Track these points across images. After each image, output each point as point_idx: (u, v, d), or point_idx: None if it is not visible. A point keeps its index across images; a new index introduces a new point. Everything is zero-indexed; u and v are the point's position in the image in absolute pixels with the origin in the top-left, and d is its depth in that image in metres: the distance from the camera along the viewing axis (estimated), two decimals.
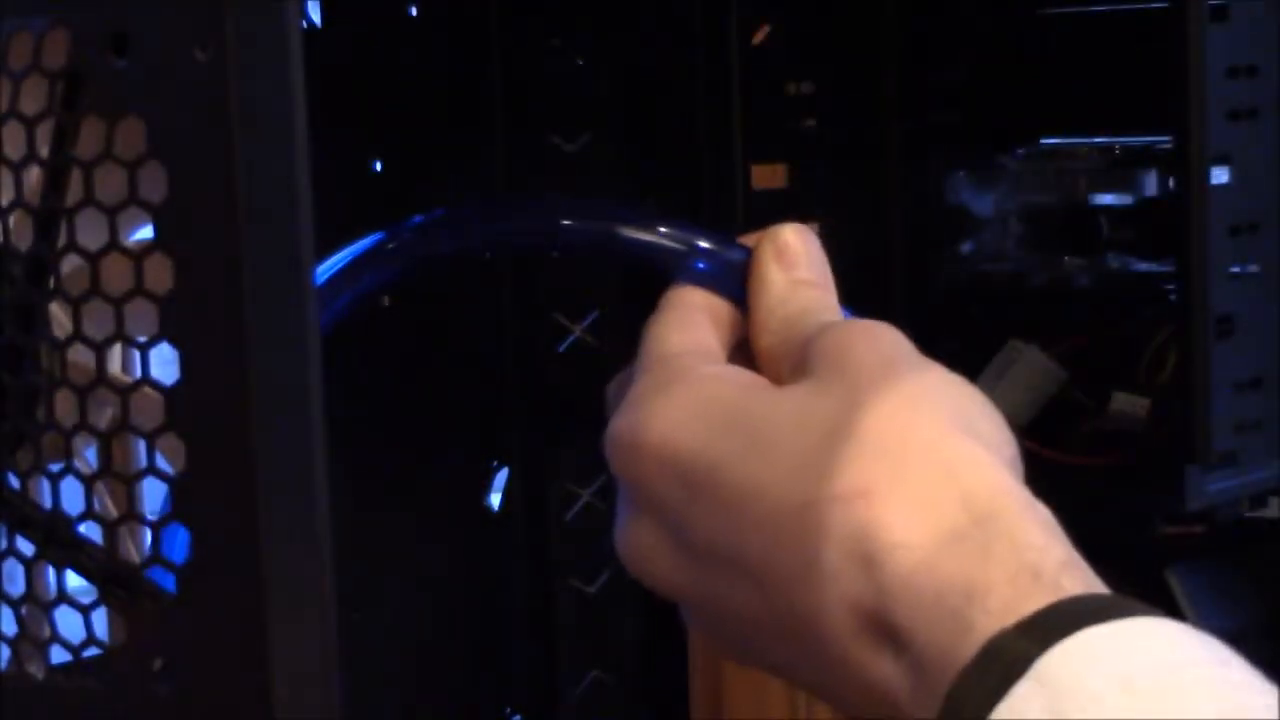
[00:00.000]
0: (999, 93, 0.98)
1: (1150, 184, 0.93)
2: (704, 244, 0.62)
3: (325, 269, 0.61)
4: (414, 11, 0.92)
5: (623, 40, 0.96)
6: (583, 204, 0.66)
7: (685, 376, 0.58)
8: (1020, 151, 0.97)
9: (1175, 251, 0.84)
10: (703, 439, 0.56)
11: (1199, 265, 0.82)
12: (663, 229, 0.63)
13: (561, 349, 0.96)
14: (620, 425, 0.58)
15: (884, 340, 0.57)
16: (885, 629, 0.51)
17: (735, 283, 0.62)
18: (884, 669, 0.51)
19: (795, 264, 0.61)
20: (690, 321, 0.61)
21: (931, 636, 0.50)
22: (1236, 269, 0.84)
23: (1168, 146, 0.87)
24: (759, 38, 0.97)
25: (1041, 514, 0.52)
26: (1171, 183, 0.91)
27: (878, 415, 0.53)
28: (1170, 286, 0.90)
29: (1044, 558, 0.50)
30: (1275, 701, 0.47)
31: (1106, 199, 0.95)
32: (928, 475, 0.52)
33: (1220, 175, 0.83)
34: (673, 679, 0.98)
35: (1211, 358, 0.82)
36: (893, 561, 0.51)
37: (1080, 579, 0.50)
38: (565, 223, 0.64)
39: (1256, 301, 0.84)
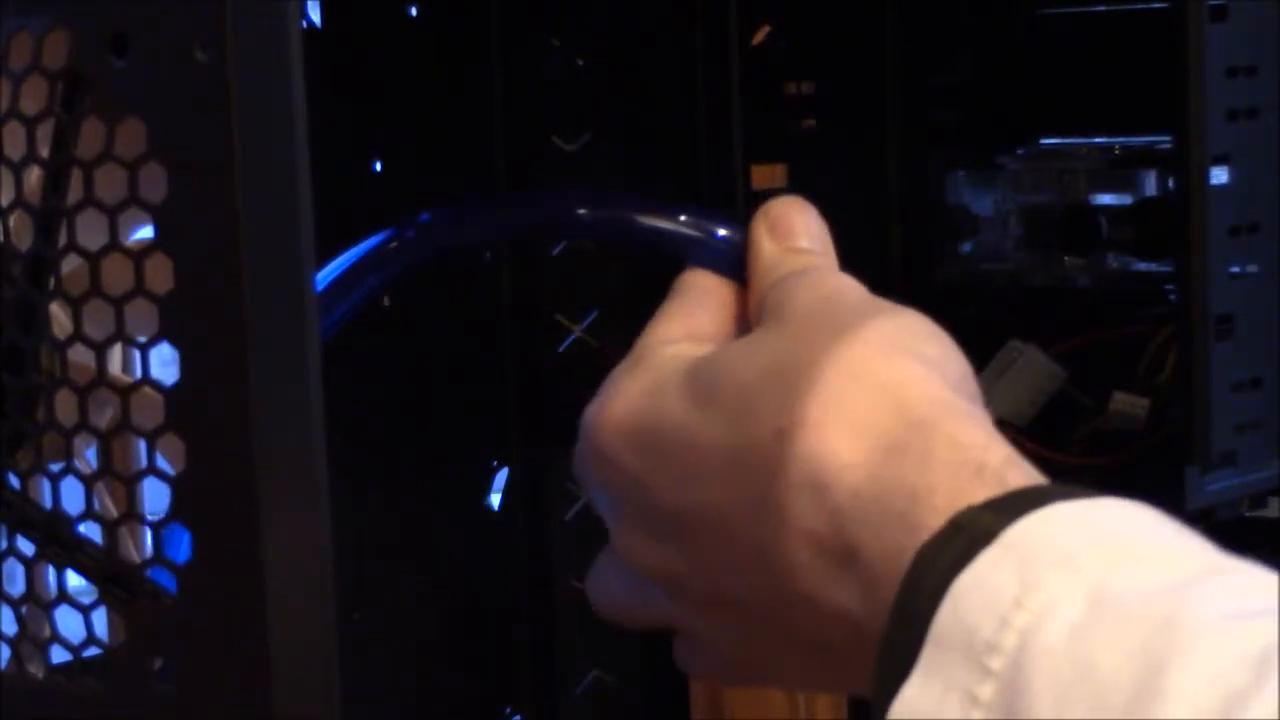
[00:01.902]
0: (999, 93, 0.98)
1: (1150, 184, 0.93)
2: (707, 227, 0.62)
3: (330, 270, 0.61)
4: (414, 11, 0.92)
5: (623, 40, 0.96)
6: (587, 194, 0.66)
7: (650, 358, 0.59)
8: (1020, 151, 0.97)
9: (1175, 251, 0.84)
10: (658, 405, 0.56)
11: (1199, 265, 0.82)
12: (671, 215, 0.63)
13: (561, 349, 0.96)
14: (588, 410, 0.59)
15: (827, 284, 0.58)
16: (842, 551, 0.51)
17: (742, 263, 0.62)
18: (845, 594, 0.51)
19: (788, 234, 0.61)
20: (684, 307, 0.61)
21: (880, 543, 0.50)
22: (1236, 269, 0.83)
23: (1168, 146, 0.87)
24: (759, 38, 0.97)
25: (982, 420, 0.52)
26: (1171, 183, 0.91)
27: (812, 348, 0.54)
28: (1170, 286, 0.90)
29: (987, 454, 0.50)
30: (1239, 571, 0.48)
31: (1106, 199, 0.95)
32: (866, 396, 0.52)
33: (1220, 175, 0.82)
34: (673, 679, 0.98)
35: (1211, 358, 0.82)
36: (840, 483, 0.51)
37: (1025, 474, 0.50)
38: (581, 212, 0.64)
39: (1256, 301, 0.84)
